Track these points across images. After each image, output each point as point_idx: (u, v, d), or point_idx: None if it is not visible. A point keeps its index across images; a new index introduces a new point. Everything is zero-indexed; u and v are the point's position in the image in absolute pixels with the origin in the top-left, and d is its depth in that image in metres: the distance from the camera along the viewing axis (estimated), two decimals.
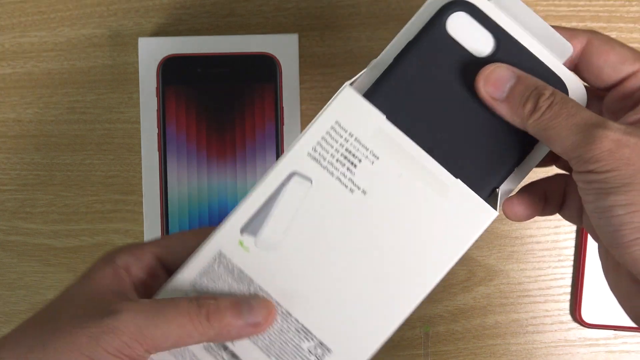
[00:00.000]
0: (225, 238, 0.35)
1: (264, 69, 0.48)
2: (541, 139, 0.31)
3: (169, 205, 0.52)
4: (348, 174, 0.35)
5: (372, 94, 0.34)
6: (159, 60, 0.52)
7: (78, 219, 0.55)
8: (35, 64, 0.55)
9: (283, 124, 0.52)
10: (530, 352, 0.55)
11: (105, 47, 0.54)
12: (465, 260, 0.55)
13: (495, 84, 0.32)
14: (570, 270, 0.55)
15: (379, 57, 0.35)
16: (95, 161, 0.55)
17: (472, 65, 0.33)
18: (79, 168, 0.55)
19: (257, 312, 0.31)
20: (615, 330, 0.54)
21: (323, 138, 0.35)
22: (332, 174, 0.35)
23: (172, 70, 0.52)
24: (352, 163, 0.35)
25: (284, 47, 0.51)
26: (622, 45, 0.33)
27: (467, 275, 0.55)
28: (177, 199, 0.52)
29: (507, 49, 0.33)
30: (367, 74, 0.35)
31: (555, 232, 0.55)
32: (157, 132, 0.52)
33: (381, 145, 0.34)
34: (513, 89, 0.31)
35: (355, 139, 0.34)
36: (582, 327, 0.54)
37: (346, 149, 0.35)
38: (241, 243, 0.35)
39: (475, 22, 0.33)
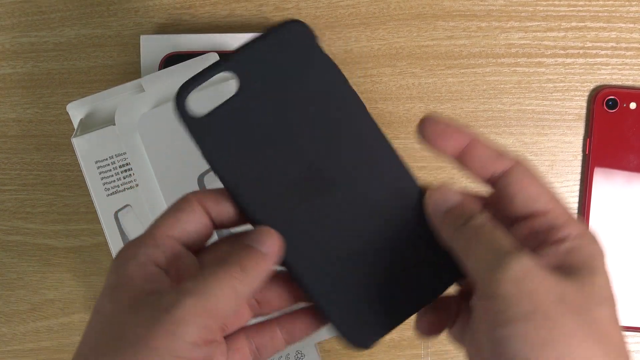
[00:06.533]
0: None
1: None
2: (459, 252, 0.31)
3: None
4: (132, 176, 0.46)
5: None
6: (161, 58, 0.52)
7: (78, 219, 0.55)
8: (35, 64, 0.55)
9: None
10: None
11: (106, 47, 0.54)
12: None
13: (443, 196, 0.32)
14: None
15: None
16: None
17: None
18: (79, 168, 0.55)
19: (267, 242, 0.32)
20: None
21: (100, 176, 0.45)
22: (132, 187, 0.44)
23: None
24: (128, 169, 0.46)
25: None
26: (543, 182, 0.32)
27: None
28: None
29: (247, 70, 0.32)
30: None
31: None
32: None
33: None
34: (458, 204, 0.32)
35: (115, 155, 0.43)
36: None
37: (119, 166, 0.46)
38: None
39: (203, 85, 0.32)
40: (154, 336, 0.27)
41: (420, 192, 0.33)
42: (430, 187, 0.33)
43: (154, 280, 0.30)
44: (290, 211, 0.32)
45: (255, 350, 0.34)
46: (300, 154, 0.32)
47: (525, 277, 0.28)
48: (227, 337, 0.33)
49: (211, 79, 0.32)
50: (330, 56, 0.32)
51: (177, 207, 0.32)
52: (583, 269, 0.30)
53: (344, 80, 0.32)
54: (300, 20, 0.32)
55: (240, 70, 0.32)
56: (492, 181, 0.33)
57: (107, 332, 0.29)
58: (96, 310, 0.30)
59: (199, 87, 0.32)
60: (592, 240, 0.31)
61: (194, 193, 0.33)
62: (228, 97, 0.32)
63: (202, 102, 0.32)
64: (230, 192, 0.32)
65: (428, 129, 0.32)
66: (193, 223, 0.32)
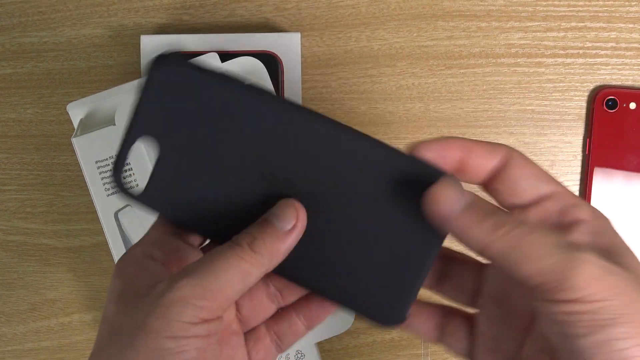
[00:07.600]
0: None
1: (266, 67, 0.48)
2: (506, 261, 0.27)
3: None
4: (132, 176, 0.47)
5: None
6: None
7: (78, 219, 0.55)
8: (35, 64, 0.55)
9: None
10: None
11: (106, 48, 0.54)
12: None
13: (452, 195, 0.28)
14: None
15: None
16: None
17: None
18: (79, 168, 0.55)
19: (286, 216, 0.30)
20: None
21: (100, 176, 0.46)
22: (132, 187, 0.42)
23: None
24: (129, 169, 0.47)
25: (286, 46, 0.51)
26: (537, 165, 0.31)
27: None
28: None
29: None
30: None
31: None
32: None
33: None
34: (470, 205, 0.28)
35: (116, 155, 0.39)
36: None
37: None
38: None
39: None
40: (149, 320, 0.27)
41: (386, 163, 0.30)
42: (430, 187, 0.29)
43: (153, 275, 0.30)
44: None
45: (276, 339, 0.33)
46: (249, 173, 0.31)
47: (604, 272, 0.26)
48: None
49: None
50: (213, 69, 0.31)
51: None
52: (613, 252, 0.28)
53: (245, 85, 0.31)
54: (162, 53, 0.31)
55: (151, 131, 0.31)
56: (492, 177, 0.31)
57: (109, 331, 0.29)
58: (102, 318, 0.30)
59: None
60: (605, 218, 0.30)
61: None
62: (156, 159, 0.32)
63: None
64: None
65: (425, 151, 0.30)
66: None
